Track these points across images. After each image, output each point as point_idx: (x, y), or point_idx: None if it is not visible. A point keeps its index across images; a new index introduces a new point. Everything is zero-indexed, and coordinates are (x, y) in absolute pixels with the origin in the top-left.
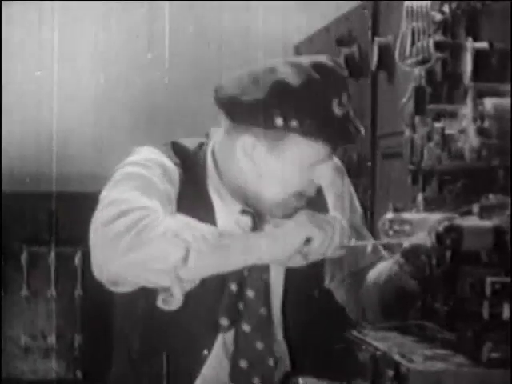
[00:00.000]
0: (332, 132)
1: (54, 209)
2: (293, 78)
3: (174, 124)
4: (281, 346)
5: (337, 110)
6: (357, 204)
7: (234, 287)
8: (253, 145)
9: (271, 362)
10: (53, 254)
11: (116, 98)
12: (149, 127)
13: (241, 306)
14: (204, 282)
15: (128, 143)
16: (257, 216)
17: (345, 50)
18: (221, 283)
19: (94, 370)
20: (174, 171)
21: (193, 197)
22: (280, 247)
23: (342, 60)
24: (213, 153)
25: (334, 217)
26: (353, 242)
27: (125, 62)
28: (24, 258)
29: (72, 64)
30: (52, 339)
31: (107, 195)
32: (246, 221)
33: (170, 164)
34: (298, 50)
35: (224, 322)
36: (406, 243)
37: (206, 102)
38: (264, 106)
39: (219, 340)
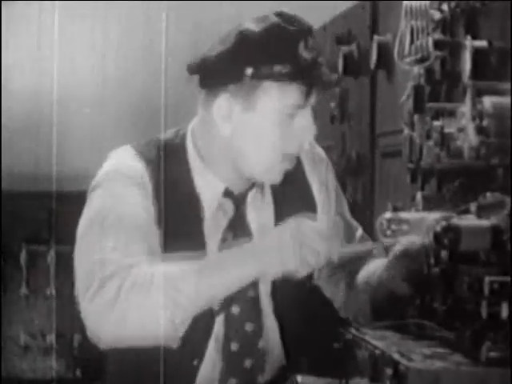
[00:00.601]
0: (303, 74)
1: (53, 208)
2: (256, 26)
3: (174, 122)
4: (270, 333)
5: (304, 53)
6: (342, 194)
7: None
8: (228, 105)
9: (261, 343)
10: (52, 253)
11: (116, 96)
12: (148, 126)
13: None
14: None
15: (128, 142)
16: (239, 199)
17: (344, 49)
18: None
19: (93, 368)
20: (145, 179)
21: (175, 188)
22: (264, 265)
23: (340, 59)
24: (192, 135)
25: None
26: (353, 246)
27: (124, 60)
28: (23, 256)
29: (71, 63)
30: (51, 338)
31: (84, 250)
32: (229, 205)
33: (141, 170)
34: None
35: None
36: (398, 247)
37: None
38: (232, 58)
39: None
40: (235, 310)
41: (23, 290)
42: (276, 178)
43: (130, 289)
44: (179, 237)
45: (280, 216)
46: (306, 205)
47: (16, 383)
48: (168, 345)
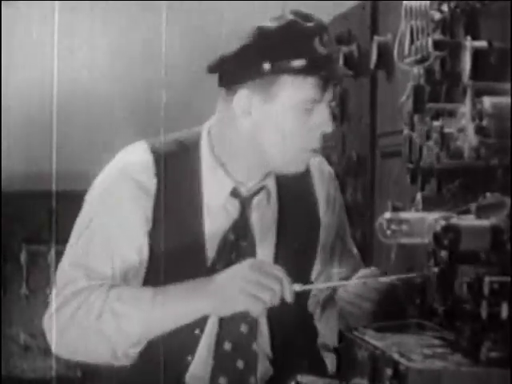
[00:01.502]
0: (319, 68)
1: (53, 207)
2: (272, 23)
3: (174, 121)
4: (264, 337)
5: (320, 49)
6: (346, 217)
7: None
8: (248, 100)
9: (255, 346)
10: (52, 253)
11: (116, 96)
12: (148, 125)
13: None
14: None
15: (128, 141)
16: (246, 201)
17: (344, 49)
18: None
19: (94, 368)
20: (149, 177)
21: (181, 185)
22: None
23: (340, 59)
24: (208, 134)
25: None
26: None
27: (125, 60)
28: (23, 256)
29: (72, 62)
30: None
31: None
32: (234, 204)
33: (147, 166)
34: None
35: None
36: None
37: (206, 98)
38: (250, 53)
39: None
40: (227, 346)
41: (23, 290)
42: (299, 167)
43: (83, 315)
44: (180, 234)
45: (283, 224)
46: (310, 219)
47: (16, 383)
48: (123, 363)
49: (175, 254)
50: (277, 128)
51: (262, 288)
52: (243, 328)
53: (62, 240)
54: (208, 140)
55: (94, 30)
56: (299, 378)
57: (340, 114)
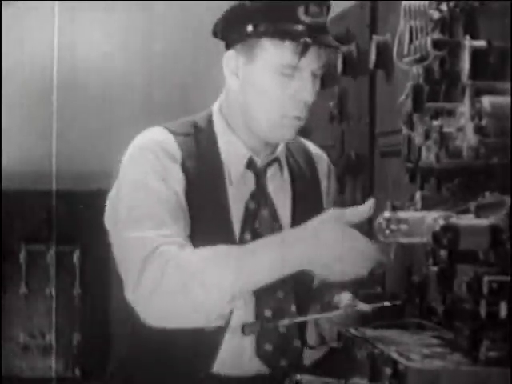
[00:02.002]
0: (296, 32)
1: (52, 207)
2: None
3: (176, 116)
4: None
5: (303, 17)
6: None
7: (248, 238)
8: (234, 59)
9: (293, 308)
10: (51, 252)
11: (116, 95)
12: (149, 124)
13: None
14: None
15: (128, 141)
16: (260, 172)
17: (343, 48)
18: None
19: (93, 367)
20: (174, 147)
21: (202, 158)
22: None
23: (339, 58)
24: (220, 106)
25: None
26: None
27: (124, 58)
28: (23, 256)
29: (72, 61)
30: (51, 337)
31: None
32: (250, 176)
33: (169, 140)
34: None
35: None
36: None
37: (207, 97)
38: (236, 17)
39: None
40: (267, 313)
41: (22, 290)
42: (285, 135)
43: (173, 270)
44: (206, 206)
45: (297, 197)
46: (315, 193)
47: (16, 382)
48: (216, 324)
49: (203, 224)
50: (258, 90)
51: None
52: (279, 294)
53: (61, 239)
54: (220, 114)
55: (94, 27)
56: (298, 377)
57: (339, 114)
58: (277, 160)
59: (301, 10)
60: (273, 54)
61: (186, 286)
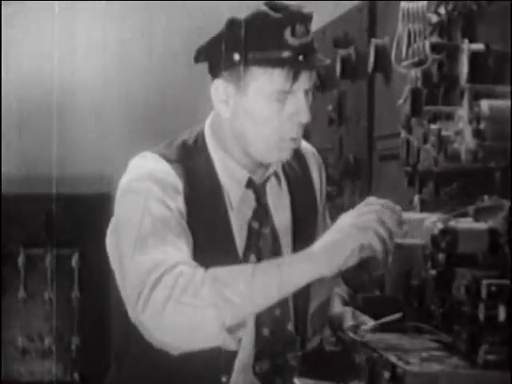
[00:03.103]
0: (286, 59)
1: (51, 211)
2: (244, 15)
3: (174, 124)
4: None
5: (290, 40)
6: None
7: (253, 259)
8: (224, 87)
9: (289, 326)
10: (50, 256)
11: (117, 99)
12: (148, 128)
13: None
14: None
15: (127, 145)
16: (260, 189)
17: (341, 52)
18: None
19: (92, 371)
20: (174, 178)
21: (201, 183)
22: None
23: (338, 62)
24: (211, 128)
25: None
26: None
27: (125, 63)
28: (21, 259)
29: (72, 65)
30: (49, 341)
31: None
32: (250, 196)
33: (167, 169)
34: None
35: None
36: None
37: (205, 100)
38: (221, 44)
39: None
40: (266, 331)
41: (21, 294)
42: (282, 156)
43: (183, 289)
44: (208, 230)
45: (295, 205)
46: (310, 197)
47: None
48: (227, 347)
49: (208, 250)
50: (253, 117)
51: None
52: (277, 312)
53: (60, 243)
54: (212, 135)
55: (94, 32)
56: (296, 381)
57: (338, 117)
58: (275, 173)
59: (287, 33)
60: (264, 81)
61: (196, 305)
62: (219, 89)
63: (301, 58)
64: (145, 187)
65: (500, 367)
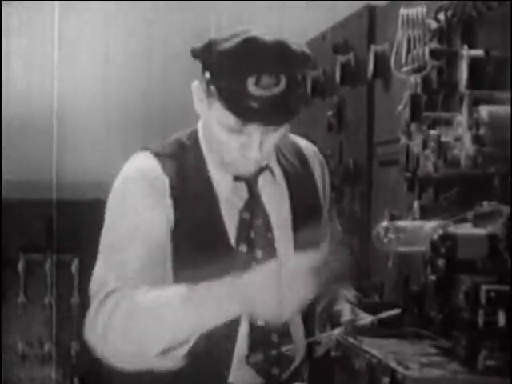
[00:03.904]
0: (241, 107)
1: (51, 216)
2: (226, 42)
3: (173, 131)
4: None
5: (252, 88)
6: (329, 182)
7: (244, 249)
8: (199, 89)
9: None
10: (50, 262)
11: (117, 105)
12: (147, 134)
13: (254, 266)
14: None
15: (127, 151)
16: (251, 181)
17: (341, 58)
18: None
19: (91, 376)
20: (160, 174)
21: (191, 178)
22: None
23: (338, 68)
24: (203, 127)
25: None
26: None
27: (125, 67)
28: (21, 265)
29: (72, 70)
30: (49, 346)
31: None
32: (241, 186)
33: (154, 166)
34: None
35: None
36: None
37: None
38: (204, 52)
39: None
40: (260, 322)
41: (21, 299)
42: (249, 169)
43: (121, 315)
44: (198, 222)
45: (295, 202)
46: (313, 194)
47: None
48: (168, 368)
49: (200, 243)
50: (216, 129)
51: (294, 294)
52: (274, 337)
53: (60, 249)
54: (203, 134)
55: (97, 38)
56: None
57: (337, 123)
58: (267, 167)
59: (251, 81)
60: (220, 113)
61: (134, 328)
62: (195, 89)
63: (257, 110)
64: (129, 190)
65: (499, 373)
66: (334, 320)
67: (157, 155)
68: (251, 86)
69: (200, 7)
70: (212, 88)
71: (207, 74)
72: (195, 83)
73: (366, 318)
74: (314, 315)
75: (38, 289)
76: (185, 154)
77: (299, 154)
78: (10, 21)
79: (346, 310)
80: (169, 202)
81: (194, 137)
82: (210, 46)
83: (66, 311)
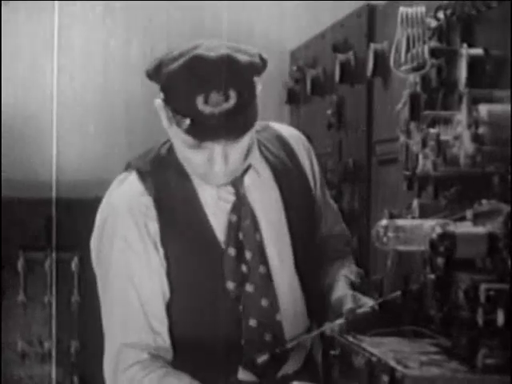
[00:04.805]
0: (193, 127)
1: (51, 215)
2: (173, 62)
3: None
4: (286, 301)
5: (201, 106)
6: (319, 168)
7: (232, 252)
8: (162, 111)
9: (278, 317)
10: (50, 260)
11: (115, 103)
12: (146, 132)
13: (243, 268)
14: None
15: (126, 149)
16: (237, 183)
17: (340, 57)
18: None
19: (91, 375)
20: (145, 198)
21: (177, 195)
22: None
23: (337, 66)
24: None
25: None
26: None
27: (125, 68)
28: (21, 263)
29: (71, 69)
30: (49, 345)
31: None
32: (227, 189)
33: (139, 190)
34: (293, 56)
35: (230, 285)
36: None
37: None
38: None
39: None
40: (250, 288)
41: (21, 297)
42: (220, 181)
43: None
44: (188, 235)
45: (287, 199)
46: (304, 187)
47: None
48: None
49: (192, 251)
50: (180, 146)
51: None
52: (264, 303)
53: (59, 247)
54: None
55: (95, 37)
56: None
57: (337, 121)
58: (251, 166)
59: (200, 99)
60: (179, 131)
61: None
62: (159, 106)
63: (210, 125)
64: (116, 229)
65: (499, 371)
66: (335, 310)
67: (141, 176)
68: (201, 104)
69: (200, 7)
70: (167, 108)
71: (162, 95)
72: (157, 101)
73: (367, 304)
74: (320, 301)
75: (37, 287)
76: (166, 170)
77: (284, 144)
78: (10, 21)
79: (347, 299)
80: (157, 226)
81: (171, 150)
82: (159, 67)
83: (66, 310)
